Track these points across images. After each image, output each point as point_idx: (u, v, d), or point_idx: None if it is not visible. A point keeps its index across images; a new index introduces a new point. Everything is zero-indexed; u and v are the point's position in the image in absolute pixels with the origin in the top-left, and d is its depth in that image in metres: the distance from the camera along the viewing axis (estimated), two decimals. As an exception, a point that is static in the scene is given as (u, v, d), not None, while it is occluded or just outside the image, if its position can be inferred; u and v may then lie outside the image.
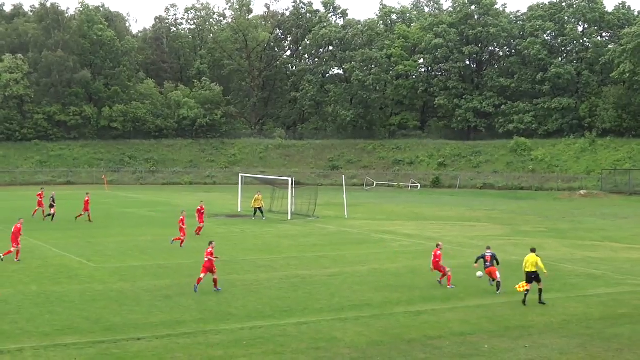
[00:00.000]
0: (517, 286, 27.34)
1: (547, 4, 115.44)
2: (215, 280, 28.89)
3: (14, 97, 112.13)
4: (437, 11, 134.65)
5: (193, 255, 37.78)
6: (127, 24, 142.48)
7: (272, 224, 53.53)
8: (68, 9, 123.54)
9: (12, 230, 36.46)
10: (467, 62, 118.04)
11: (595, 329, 23.33)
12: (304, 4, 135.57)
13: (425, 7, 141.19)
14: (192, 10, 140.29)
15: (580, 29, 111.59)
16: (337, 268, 34.46)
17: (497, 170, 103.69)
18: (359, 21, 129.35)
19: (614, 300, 27.52)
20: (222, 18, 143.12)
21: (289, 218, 56.99)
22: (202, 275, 28.71)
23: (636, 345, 21.52)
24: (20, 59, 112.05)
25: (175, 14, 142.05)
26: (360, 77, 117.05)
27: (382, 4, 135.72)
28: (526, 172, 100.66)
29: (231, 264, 35.11)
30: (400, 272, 33.38)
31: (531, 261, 26.75)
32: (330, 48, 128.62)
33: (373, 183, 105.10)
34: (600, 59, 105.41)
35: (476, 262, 29.78)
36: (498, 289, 28.96)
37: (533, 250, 27.35)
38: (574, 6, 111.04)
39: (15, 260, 35.39)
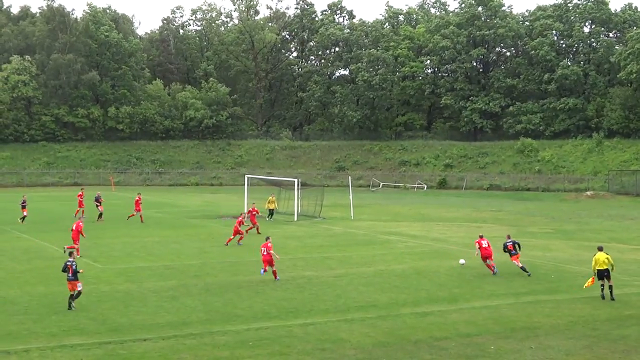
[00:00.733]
0: (585, 285, 28.22)
1: (554, 4, 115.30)
2: (274, 272, 31.12)
3: (22, 98, 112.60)
4: (443, 12, 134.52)
5: (200, 256, 37.90)
6: (134, 26, 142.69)
7: (278, 225, 53.55)
8: (73, 9, 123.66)
9: (74, 228, 37.96)
10: (474, 63, 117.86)
11: (601, 331, 23.29)
12: (307, 4, 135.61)
13: (432, 9, 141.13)
14: (198, 12, 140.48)
15: (587, 29, 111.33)
16: (343, 269, 34.46)
17: (503, 172, 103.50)
18: (366, 22, 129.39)
19: (620, 302, 27.45)
20: (228, 19, 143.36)
21: (295, 219, 57.02)
22: (267, 268, 30.94)
23: (643, 347, 21.49)
24: (27, 60, 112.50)
25: (181, 16, 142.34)
26: (366, 78, 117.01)
27: (388, 5, 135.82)
28: (533, 173, 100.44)
29: (237, 265, 35.16)
30: (407, 273, 33.36)
31: (602, 259, 27.45)
32: (336, 49, 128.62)
33: (379, 184, 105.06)
34: (607, 60, 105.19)
35: (504, 251, 33.22)
36: (528, 272, 32.47)
37: (600, 249, 28.10)
38: (581, 7, 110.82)
39: (77, 256, 36.16)
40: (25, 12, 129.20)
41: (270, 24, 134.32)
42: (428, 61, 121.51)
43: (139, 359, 20.07)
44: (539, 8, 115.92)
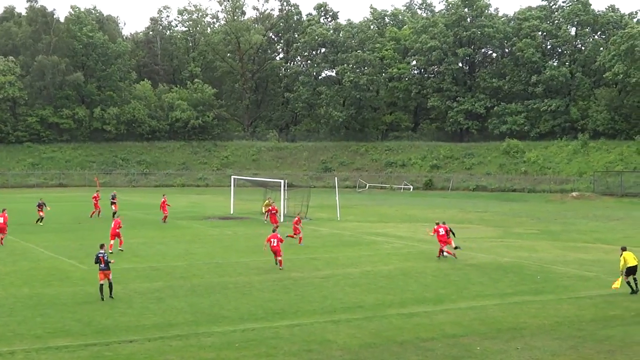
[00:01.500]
0: (613, 286, 28.84)
1: (539, 6, 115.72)
2: (281, 261, 34.31)
3: (8, 99, 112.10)
4: (429, 13, 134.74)
5: (186, 257, 37.80)
6: (120, 26, 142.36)
7: (265, 226, 53.42)
8: (54, 9, 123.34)
9: (112, 225, 39.59)
10: (460, 64, 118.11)
11: (587, 331, 23.35)
12: (292, 6, 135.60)
13: (418, 10, 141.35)
14: (184, 13, 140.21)
15: (573, 31, 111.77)
16: (329, 270, 34.44)
17: (489, 172, 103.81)
18: (352, 22, 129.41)
19: (605, 302, 27.56)
20: (214, 20, 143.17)
21: (282, 220, 56.93)
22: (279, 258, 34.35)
23: (628, 347, 21.55)
24: (11, 61, 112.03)
25: (168, 16, 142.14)
26: (352, 79, 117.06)
27: (372, 7, 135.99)
28: (518, 174, 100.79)
29: (223, 266, 35.09)
30: (393, 274, 33.37)
31: (632, 256, 28.67)
32: (323, 50, 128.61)
33: (365, 185, 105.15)
34: (593, 61, 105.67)
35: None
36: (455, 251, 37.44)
37: (624, 249, 29.25)
38: (566, 8, 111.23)
39: (119, 248, 39.21)
40: (10, 12, 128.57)
41: (256, 25, 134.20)
42: (414, 62, 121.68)
43: (125, 360, 20.01)
44: (528, 8, 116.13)
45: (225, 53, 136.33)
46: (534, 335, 22.73)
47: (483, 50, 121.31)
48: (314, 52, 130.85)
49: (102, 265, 27.03)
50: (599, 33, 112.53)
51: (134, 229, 50.59)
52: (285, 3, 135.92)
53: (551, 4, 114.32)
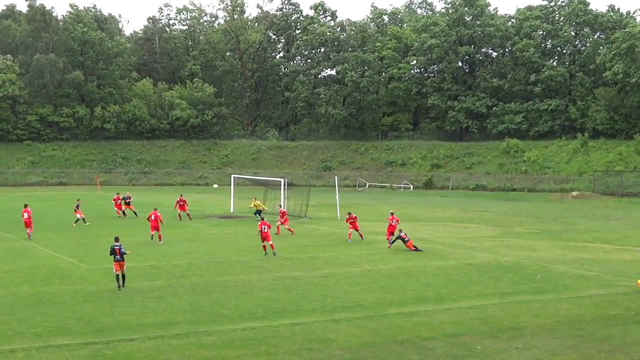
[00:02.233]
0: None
1: (540, 5, 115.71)
2: (272, 246, 37.74)
3: (8, 97, 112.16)
4: (429, 12, 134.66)
5: (186, 256, 37.80)
6: (120, 25, 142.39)
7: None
8: (52, 8, 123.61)
9: (152, 217, 43.01)
10: (460, 63, 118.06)
11: (587, 330, 23.34)
12: (291, 4, 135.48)
13: (418, 9, 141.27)
14: (184, 11, 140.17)
15: (573, 31, 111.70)
16: (329, 269, 34.43)
17: (489, 172, 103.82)
18: (352, 21, 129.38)
19: (606, 302, 27.54)
20: (214, 19, 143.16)
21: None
22: (265, 244, 37.72)
23: (628, 347, 21.55)
24: (10, 59, 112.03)
25: (168, 14, 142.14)
26: (354, 79, 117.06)
27: (373, 6, 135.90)
28: (518, 173, 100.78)
29: (224, 265, 35.09)
30: (393, 273, 33.35)
31: None
32: (323, 49, 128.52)
33: (365, 184, 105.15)
34: (592, 61, 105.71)
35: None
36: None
37: None
38: (566, 8, 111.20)
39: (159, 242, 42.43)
40: (10, 10, 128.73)
41: (256, 24, 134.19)
42: (415, 61, 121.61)
43: (125, 359, 19.97)
44: (529, 8, 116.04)
45: (225, 52, 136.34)
46: (534, 335, 22.72)
47: (483, 49, 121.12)
48: (314, 51, 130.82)
49: (118, 256, 28.83)
50: (598, 33, 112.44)
51: (134, 228, 50.62)
52: (286, 1, 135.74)
53: (551, 4, 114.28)
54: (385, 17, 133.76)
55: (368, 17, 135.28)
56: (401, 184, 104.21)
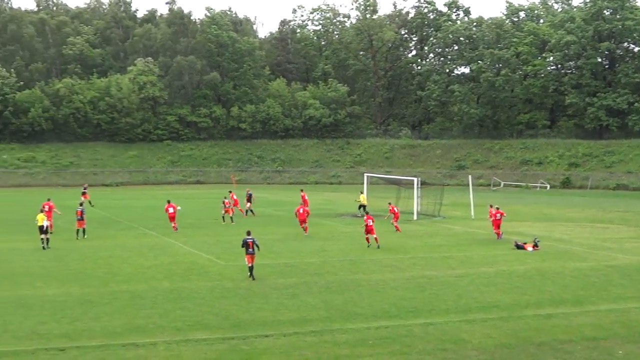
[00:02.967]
0: None
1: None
2: (376, 239, 40.12)
3: (149, 99, 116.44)
4: (567, 7, 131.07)
5: (320, 254, 38.15)
6: (254, 27, 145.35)
7: (398, 224, 53.35)
8: (190, 12, 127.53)
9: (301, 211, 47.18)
10: (599, 59, 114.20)
11: None
12: (427, 3, 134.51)
13: (554, 4, 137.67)
14: (318, 12, 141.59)
15: None
16: (463, 269, 34.06)
17: (631, 171, 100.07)
18: (486, 19, 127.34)
19: None
20: (347, 19, 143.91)
21: (415, 218, 56.73)
22: (368, 236, 40.58)
23: None
24: (151, 62, 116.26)
25: (302, 15, 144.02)
26: (490, 78, 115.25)
27: (508, 2, 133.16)
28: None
29: (357, 264, 35.21)
30: (529, 274, 32.66)
31: None
32: (456, 47, 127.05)
33: (500, 183, 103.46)
34: None
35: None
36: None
37: None
38: None
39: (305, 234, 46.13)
40: (152, 14, 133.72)
41: (388, 23, 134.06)
42: (551, 58, 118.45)
43: (261, 354, 20.34)
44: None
45: (358, 51, 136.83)
46: (680, 340, 21.80)
47: (624, 44, 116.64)
48: (447, 49, 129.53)
49: (250, 249, 30.64)
50: None
51: (268, 226, 51.47)
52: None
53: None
54: (522, 14, 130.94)
55: (503, 13, 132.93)
56: (537, 183, 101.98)
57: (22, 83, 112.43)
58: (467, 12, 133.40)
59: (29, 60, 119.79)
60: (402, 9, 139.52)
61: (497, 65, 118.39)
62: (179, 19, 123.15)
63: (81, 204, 47.87)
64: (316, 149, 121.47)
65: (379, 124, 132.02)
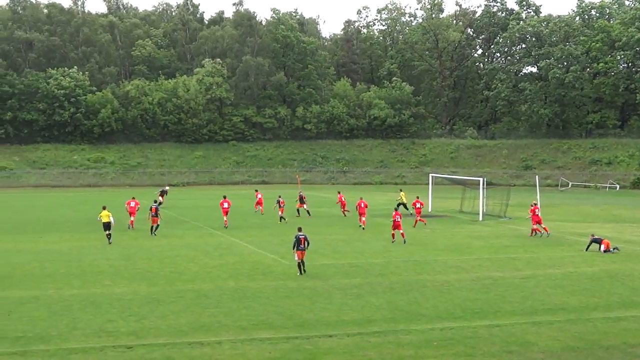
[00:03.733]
0: None
1: None
2: (402, 234, 42.16)
3: (215, 100, 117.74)
4: (638, 4, 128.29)
5: (384, 255, 38.01)
6: (318, 27, 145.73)
7: (463, 225, 52.94)
8: (254, 12, 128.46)
9: (362, 205, 49.50)
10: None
11: None
12: (496, 1, 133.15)
13: (626, 1, 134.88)
14: (384, 11, 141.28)
15: None
16: (530, 270, 33.60)
17: None
18: (555, 16, 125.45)
19: None
20: (412, 18, 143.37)
21: (480, 219, 56.18)
22: (394, 232, 42.37)
23: None
24: (219, 63, 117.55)
25: (367, 16, 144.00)
26: (558, 75, 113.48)
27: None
28: None
29: (422, 264, 35.01)
30: (597, 276, 32.07)
31: None
32: (523, 45, 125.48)
33: (568, 183, 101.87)
34: None
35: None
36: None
37: None
38: None
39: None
40: (219, 16, 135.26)
41: (454, 22, 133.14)
42: (622, 55, 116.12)
43: (325, 354, 20.35)
44: None
45: (423, 51, 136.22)
46: None
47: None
48: (514, 48, 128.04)
49: (301, 245, 31.44)
50: None
51: (333, 226, 51.52)
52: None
53: None
54: (593, 11, 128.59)
55: (573, 10, 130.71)
56: (606, 184, 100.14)
57: (94, 87, 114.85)
58: (537, 10, 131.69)
59: (102, 63, 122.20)
60: (467, 9, 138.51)
61: (565, 63, 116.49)
62: (246, 20, 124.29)
63: (156, 201, 49.57)
64: (381, 149, 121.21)
65: (444, 124, 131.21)
